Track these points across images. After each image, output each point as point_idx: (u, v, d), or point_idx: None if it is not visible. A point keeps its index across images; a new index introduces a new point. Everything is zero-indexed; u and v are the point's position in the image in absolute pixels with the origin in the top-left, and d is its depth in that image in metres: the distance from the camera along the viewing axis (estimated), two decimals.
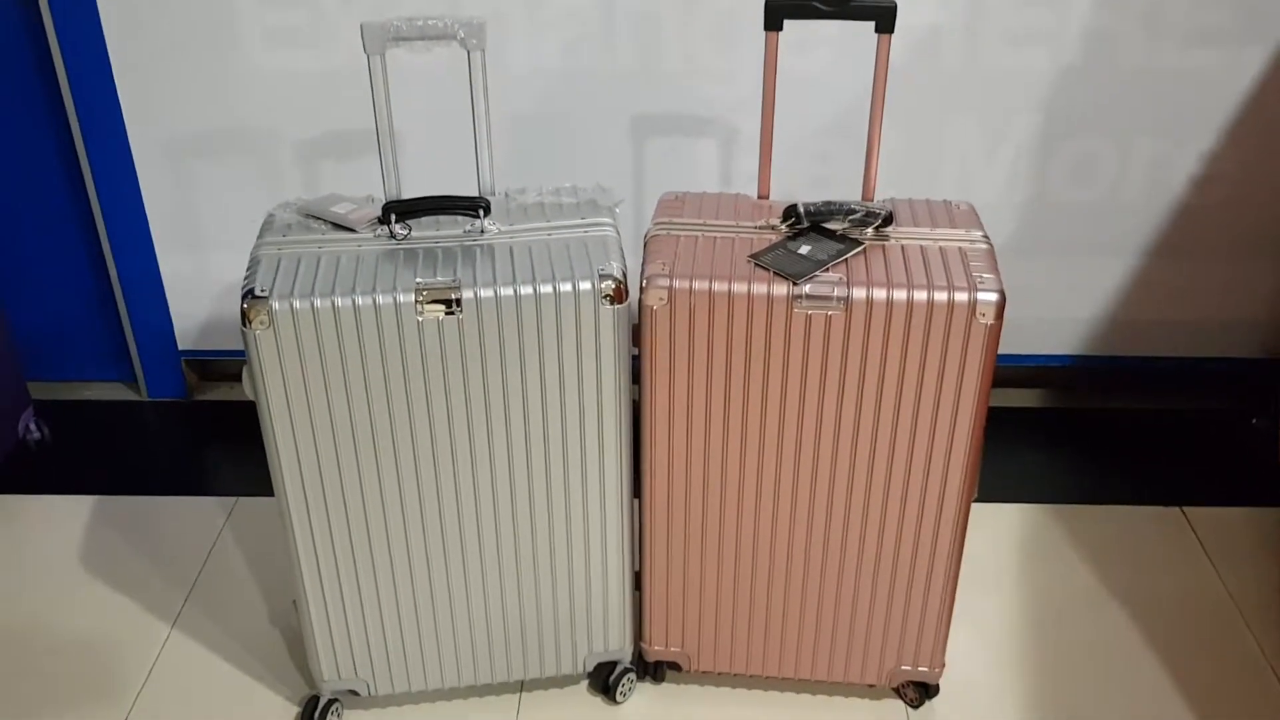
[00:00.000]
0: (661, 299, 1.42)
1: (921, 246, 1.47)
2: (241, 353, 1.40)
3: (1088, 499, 2.15)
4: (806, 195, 1.55)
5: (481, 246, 1.46)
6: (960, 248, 1.47)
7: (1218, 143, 2.12)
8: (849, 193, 1.59)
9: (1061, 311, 2.30)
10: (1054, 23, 2.00)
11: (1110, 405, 2.41)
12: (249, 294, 1.37)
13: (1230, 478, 2.20)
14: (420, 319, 1.38)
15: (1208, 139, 2.12)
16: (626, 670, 1.73)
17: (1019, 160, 2.13)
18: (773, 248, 1.47)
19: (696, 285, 1.41)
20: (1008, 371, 2.36)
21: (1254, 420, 2.30)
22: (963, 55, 2.03)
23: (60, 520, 2.12)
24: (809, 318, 1.41)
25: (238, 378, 1.43)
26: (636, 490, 1.58)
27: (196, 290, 2.34)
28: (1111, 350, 2.35)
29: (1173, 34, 2.02)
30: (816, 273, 1.41)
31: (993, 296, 1.39)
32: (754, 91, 1.55)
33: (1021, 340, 2.30)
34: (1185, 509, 2.12)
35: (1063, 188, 2.16)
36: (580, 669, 1.72)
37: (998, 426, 2.18)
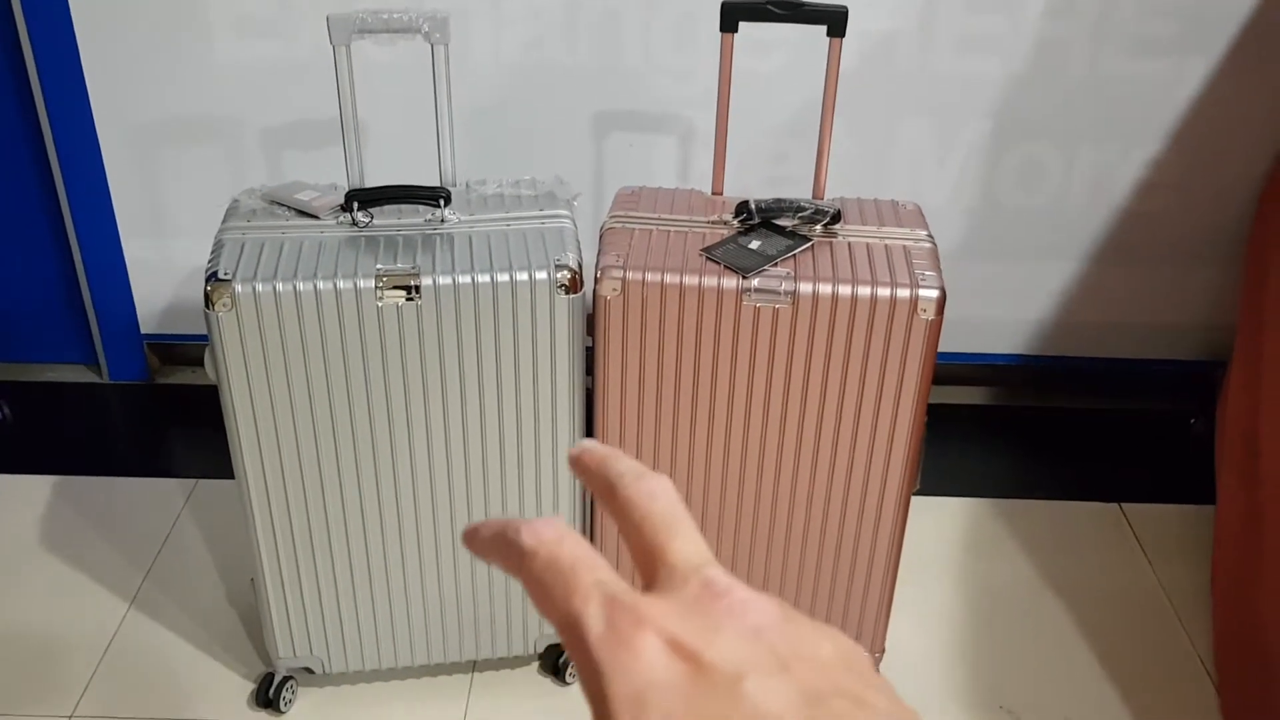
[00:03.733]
0: (615, 289, 1.47)
1: (867, 244, 1.52)
2: (203, 337, 1.43)
3: (1029, 494, 2.21)
4: (761, 193, 1.60)
5: (441, 235, 1.49)
6: (905, 246, 1.52)
7: (1162, 150, 2.18)
8: (803, 191, 1.64)
9: (1007, 312, 2.36)
10: (1004, 30, 2.06)
11: (1053, 404, 2.47)
12: (213, 276, 1.40)
13: (1167, 476, 2.27)
14: (380, 304, 1.42)
15: (1152, 146, 2.18)
16: None
17: (968, 164, 2.19)
18: (724, 242, 1.52)
19: (649, 277, 1.46)
20: (954, 369, 2.42)
21: (1192, 421, 2.36)
22: (915, 60, 2.08)
23: (21, 500, 2.14)
24: (757, 310, 1.46)
25: (199, 362, 1.47)
26: None
27: (160, 274, 2.35)
28: (1055, 350, 2.41)
29: (1119, 43, 2.08)
30: (766, 267, 1.46)
31: (933, 293, 1.44)
32: (712, 89, 1.60)
33: (968, 339, 2.36)
34: (1123, 505, 2.19)
35: (1011, 191, 2.22)
36: (531, 650, 1.76)
37: (944, 422, 2.23)
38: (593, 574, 0.30)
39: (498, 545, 0.32)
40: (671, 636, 0.28)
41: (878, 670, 0.29)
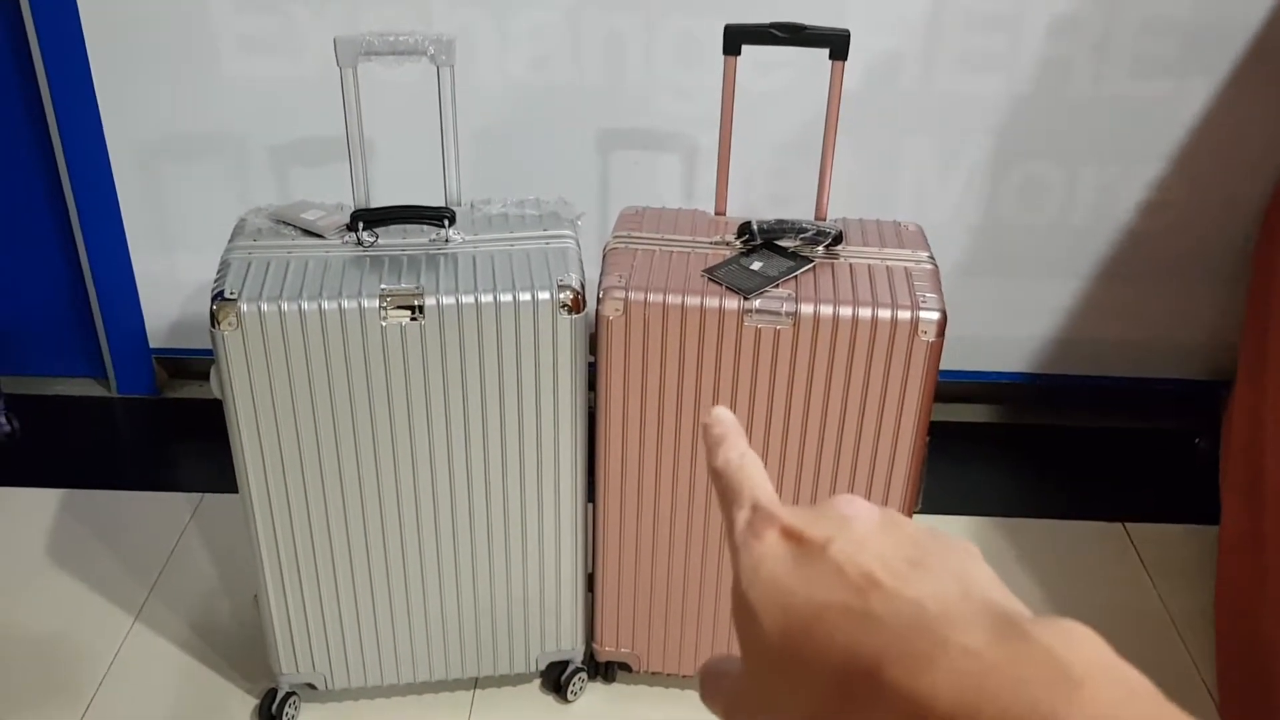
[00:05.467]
0: (618, 310, 1.48)
1: (869, 265, 1.53)
2: (212, 351, 1.45)
3: (1033, 513, 2.21)
4: (765, 212, 1.61)
5: (445, 255, 1.51)
6: (906, 267, 1.53)
7: (1164, 170, 2.19)
8: (808, 211, 1.65)
9: (1011, 330, 2.36)
10: (1007, 50, 2.07)
11: (1057, 422, 2.47)
12: (218, 296, 1.41)
13: (1172, 496, 2.26)
14: (384, 324, 1.43)
15: (1155, 165, 2.19)
16: (578, 670, 1.78)
17: (971, 182, 2.20)
18: (726, 263, 1.53)
19: (652, 297, 1.47)
20: (958, 387, 2.42)
21: (1196, 440, 2.36)
22: (919, 80, 2.09)
23: (28, 512, 2.15)
24: (759, 331, 1.46)
25: (208, 376, 1.48)
26: (591, 494, 1.63)
27: (168, 290, 2.37)
28: (1059, 369, 2.41)
29: (1122, 62, 2.09)
30: (767, 288, 1.47)
31: (934, 315, 1.45)
32: (715, 108, 1.61)
33: (972, 357, 2.36)
34: (1127, 525, 2.19)
35: (1014, 210, 2.23)
36: (533, 668, 1.76)
37: (947, 441, 2.23)
38: (753, 491, 0.40)
39: (709, 450, 0.43)
40: (787, 527, 0.38)
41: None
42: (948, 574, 0.35)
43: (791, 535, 0.37)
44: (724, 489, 0.41)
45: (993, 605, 0.33)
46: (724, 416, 0.43)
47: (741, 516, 0.39)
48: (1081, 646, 0.30)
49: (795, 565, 0.36)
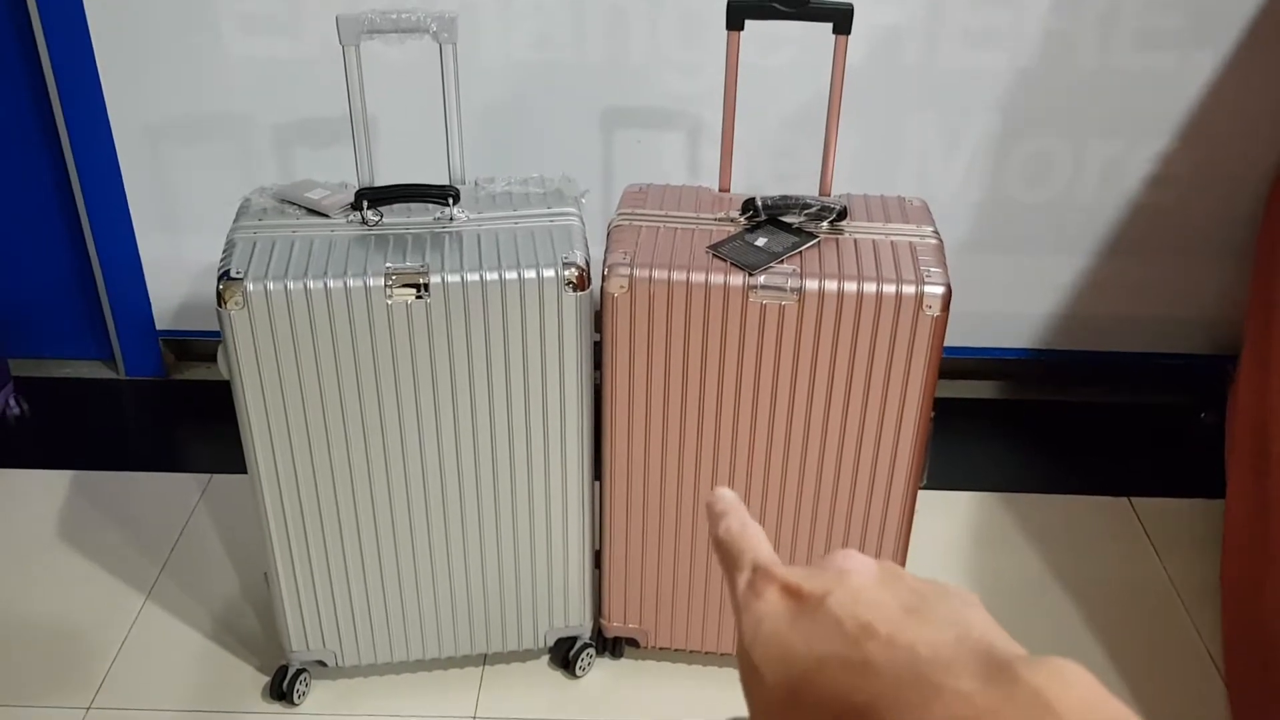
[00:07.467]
0: (622, 286, 1.48)
1: (873, 241, 1.53)
2: (218, 333, 1.45)
3: (1038, 488, 2.22)
4: (769, 189, 1.61)
5: (450, 233, 1.51)
6: (911, 243, 1.53)
7: (1170, 144, 2.18)
8: (812, 187, 1.65)
9: (1017, 306, 2.36)
10: (1011, 24, 2.06)
11: (1063, 398, 2.47)
12: (224, 275, 1.42)
13: (1177, 470, 2.27)
14: (390, 302, 1.44)
15: (1160, 140, 2.18)
16: (586, 645, 1.79)
17: (976, 158, 2.19)
18: (731, 239, 1.53)
19: (656, 274, 1.47)
20: (964, 363, 2.42)
21: (1202, 415, 2.36)
22: (922, 55, 2.09)
23: (38, 494, 2.17)
24: (764, 307, 1.47)
25: (214, 358, 1.48)
26: (597, 472, 1.64)
27: (174, 271, 2.38)
28: (1064, 344, 2.41)
29: (1127, 37, 2.08)
30: (771, 264, 1.47)
31: (939, 290, 1.45)
32: (719, 85, 1.61)
33: (978, 333, 2.36)
34: (1133, 499, 2.19)
35: (1019, 186, 2.23)
36: (541, 644, 1.77)
37: (953, 417, 2.24)
38: (753, 553, 0.41)
39: (711, 522, 0.44)
40: (786, 584, 0.39)
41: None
42: (944, 621, 0.36)
43: (791, 591, 0.38)
44: (725, 555, 0.43)
45: (986, 648, 0.33)
46: (726, 495, 0.45)
47: (742, 579, 0.41)
48: (1071, 686, 0.31)
49: (795, 620, 0.37)
